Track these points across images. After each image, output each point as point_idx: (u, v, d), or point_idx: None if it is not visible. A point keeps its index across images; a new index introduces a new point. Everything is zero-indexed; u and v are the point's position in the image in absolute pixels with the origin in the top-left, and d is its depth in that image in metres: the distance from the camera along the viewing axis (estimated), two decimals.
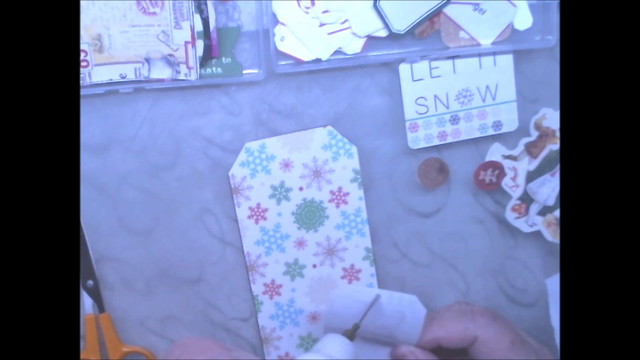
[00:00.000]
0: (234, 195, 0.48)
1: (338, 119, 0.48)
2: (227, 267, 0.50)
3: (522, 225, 0.50)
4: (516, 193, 0.49)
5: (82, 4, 0.42)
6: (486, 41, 0.47)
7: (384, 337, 0.43)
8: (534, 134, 0.49)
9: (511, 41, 0.47)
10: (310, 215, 0.49)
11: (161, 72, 0.45)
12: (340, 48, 0.46)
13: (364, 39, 0.46)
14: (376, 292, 0.43)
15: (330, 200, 0.49)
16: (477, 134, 0.49)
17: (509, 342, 0.40)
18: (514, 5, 0.46)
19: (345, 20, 0.45)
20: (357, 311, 0.43)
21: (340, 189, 0.48)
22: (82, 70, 0.43)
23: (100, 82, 0.44)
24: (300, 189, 0.48)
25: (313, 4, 0.45)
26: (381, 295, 0.43)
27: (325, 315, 0.44)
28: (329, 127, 0.48)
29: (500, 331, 0.41)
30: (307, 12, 0.45)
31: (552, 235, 0.50)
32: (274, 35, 0.45)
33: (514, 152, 0.49)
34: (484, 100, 0.48)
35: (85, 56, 0.43)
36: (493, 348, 0.40)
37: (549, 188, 0.49)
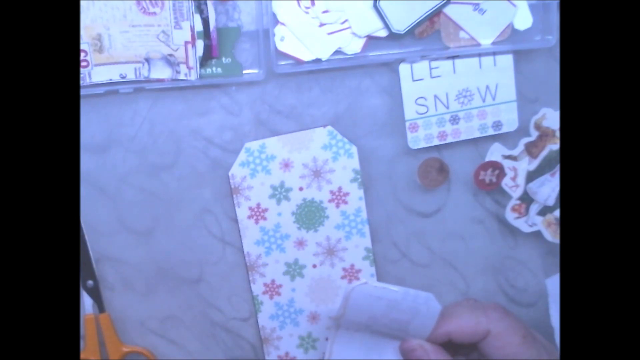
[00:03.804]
0: (234, 195, 0.48)
1: (338, 119, 0.48)
2: (227, 267, 0.50)
3: (522, 225, 0.50)
4: (516, 193, 0.49)
5: (82, 4, 0.42)
6: (486, 41, 0.47)
7: (395, 331, 0.42)
8: (534, 134, 0.49)
9: (511, 41, 0.47)
10: (310, 215, 0.49)
11: (161, 72, 0.45)
12: (340, 48, 0.46)
13: (364, 39, 0.46)
14: (397, 289, 0.43)
15: (330, 200, 0.49)
16: (477, 134, 0.49)
17: (521, 337, 0.40)
18: (514, 5, 0.46)
19: (345, 20, 0.45)
20: (376, 309, 0.42)
21: (340, 189, 0.48)
22: (82, 70, 0.43)
23: (100, 82, 0.44)
24: (300, 189, 0.48)
25: (313, 4, 0.45)
26: (399, 292, 0.42)
27: (341, 310, 0.43)
28: (329, 127, 0.48)
29: (512, 325, 0.40)
30: (307, 12, 0.45)
31: (552, 235, 0.50)
32: (274, 35, 0.45)
33: (514, 152, 0.49)
34: (484, 100, 0.48)
35: (85, 56, 0.43)
36: (506, 342, 0.40)
37: (549, 188, 0.49)
